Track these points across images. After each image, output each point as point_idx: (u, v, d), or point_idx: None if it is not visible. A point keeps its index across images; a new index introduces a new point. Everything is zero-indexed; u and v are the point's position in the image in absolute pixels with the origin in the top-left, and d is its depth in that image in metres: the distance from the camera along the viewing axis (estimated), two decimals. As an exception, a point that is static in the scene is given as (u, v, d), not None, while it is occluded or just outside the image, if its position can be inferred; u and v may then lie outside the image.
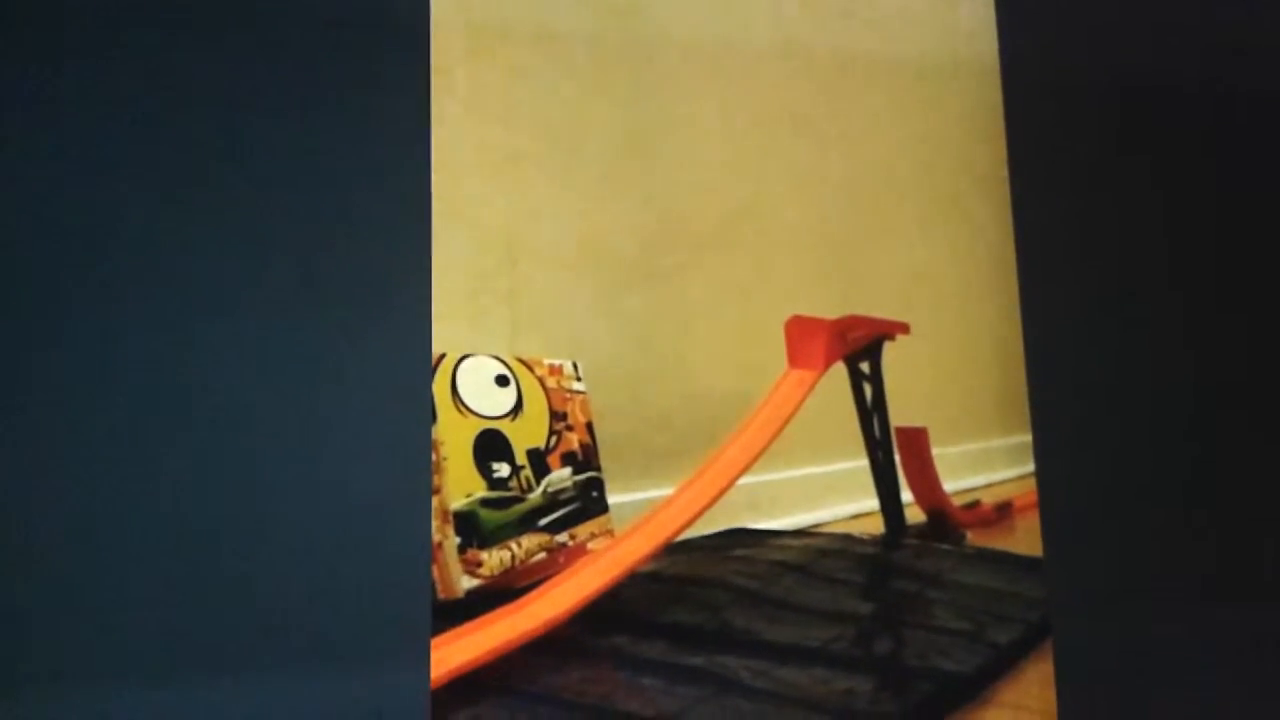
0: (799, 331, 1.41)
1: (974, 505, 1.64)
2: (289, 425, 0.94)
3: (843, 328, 1.43)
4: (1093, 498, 1.06)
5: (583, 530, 1.26)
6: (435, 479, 1.13)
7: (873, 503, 1.50)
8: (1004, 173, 1.11)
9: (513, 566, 1.16)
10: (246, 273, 0.94)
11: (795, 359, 1.40)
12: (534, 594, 1.04)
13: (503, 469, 1.21)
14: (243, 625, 0.90)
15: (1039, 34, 1.12)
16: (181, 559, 0.90)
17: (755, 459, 1.25)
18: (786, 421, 1.31)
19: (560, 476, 1.27)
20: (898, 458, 1.50)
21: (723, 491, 1.20)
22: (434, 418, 1.15)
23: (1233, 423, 1.08)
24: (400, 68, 1.00)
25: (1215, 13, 1.13)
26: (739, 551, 1.37)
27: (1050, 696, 0.98)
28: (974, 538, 1.54)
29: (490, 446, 1.21)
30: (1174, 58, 1.12)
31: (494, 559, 1.15)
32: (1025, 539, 1.42)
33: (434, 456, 1.13)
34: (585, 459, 1.31)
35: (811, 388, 1.37)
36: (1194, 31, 1.13)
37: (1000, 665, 1.05)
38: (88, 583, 0.88)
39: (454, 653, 0.95)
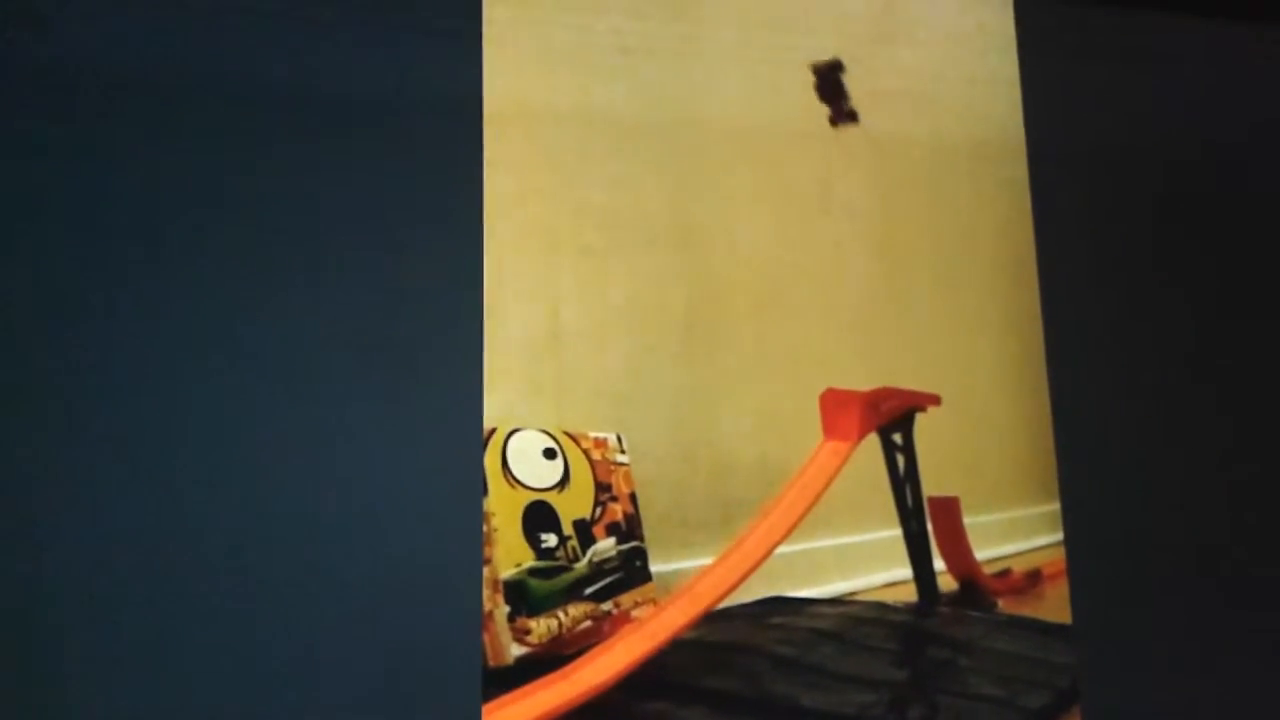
0: (834, 404, 1.44)
1: (1005, 573, 1.62)
2: (346, 497, 0.98)
3: (876, 399, 1.47)
4: (1120, 565, 1.08)
5: (627, 599, 1.28)
6: (486, 549, 1.15)
7: (906, 571, 1.50)
8: (1032, 248, 1.14)
9: (560, 634, 1.19)
10: (306, 356, 0.98)
11: (830, 430, 1.43)
12: (579, 662, 1.08)
13: (550, 539, 1.24)
14: (304, 689, 0.94)
15: (1063, 114, 1.15)
16: (235, 625, 0.93)
17: (792, 529, 1.28)
18: (822, 492, 1.34)
19: (605, 546, 1.29)
20: (930, 527, 1.51)
21: (761, 561, 1.24)
22: (485, 490, 1.18)
23: (1261, 492, 1.10)
24: (455, 150, 1.04)
25: (1237, 92, 1.17)
26: (776, 619, 1.38)
27: None
28: (1005, 605, 1.53)
29: (538, 517, 1.24)
30: (1197, 135, 1.15)
31: (542, 627, 1.17)
32: (1055, 606, 1.43)
33: (485, 527, 1.16)
34: (629, 529, 1.33)
35: (846, 458, 1.40)
36: (1216, 110, 1.16)
37: None
38: (143, 642, 0.92)
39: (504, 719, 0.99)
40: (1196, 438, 1.12)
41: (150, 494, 0.95)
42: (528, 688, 1.03)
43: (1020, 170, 1.17)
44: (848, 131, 1.70)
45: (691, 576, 1.21)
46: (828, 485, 1.35)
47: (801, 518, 1.31)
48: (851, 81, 1.71)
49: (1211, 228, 1.14)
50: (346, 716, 0.95)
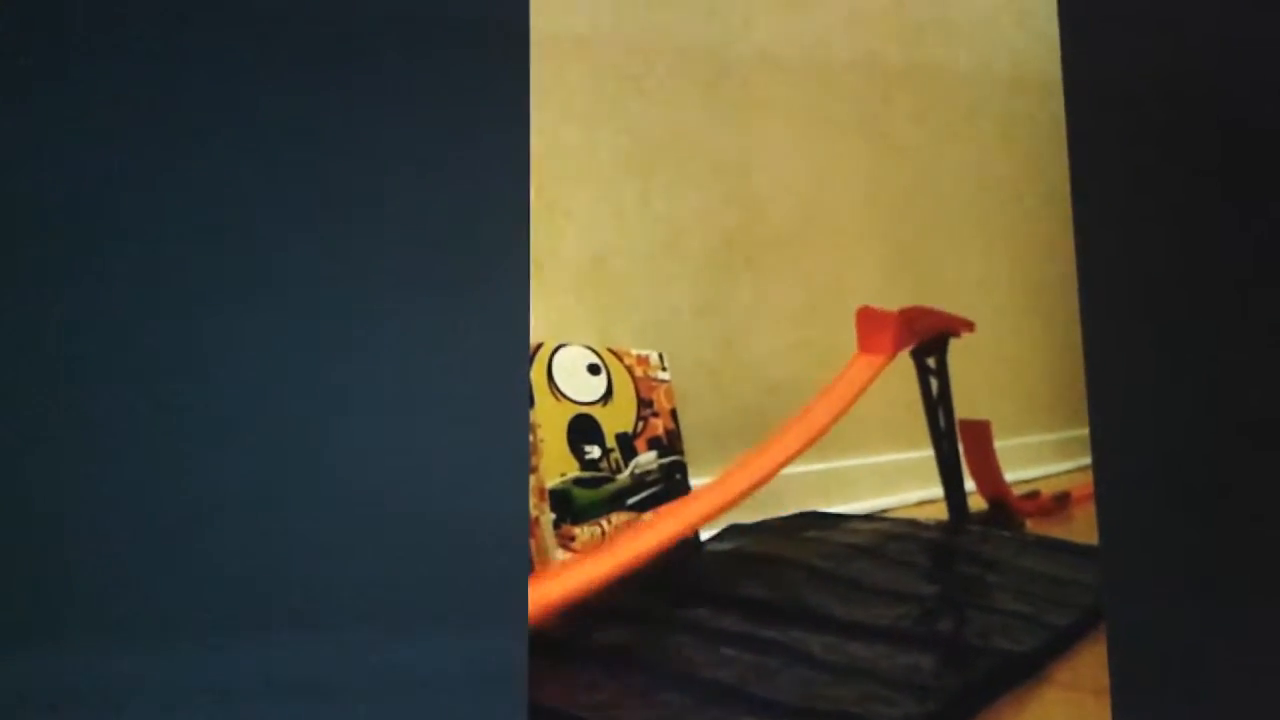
0: (869, 320, 1.45)
1: (1033, 495, 1.67)
2: (402, 409, 1.00)
3: (910, 318, 1.47)
4: (1146, 489, 1.09)
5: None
6: (533, 459, 1.16)
7: (937, 491, 1.54)
8: (1066, 180, 1.15)
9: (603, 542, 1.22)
10: (357, 273, 1.00)
11: (865, 345, 1.44)
12: (616, 538, 1.12)
13: (594, 451, 1.27)
14: (355, 593, 0.97)
15: (1101, 49, 1.15)
16: (291, 528, 0.96)
17: (825, 430, 1.30)
18: (855, 399, 1.36)
19: (646, 459, 1.32)
20: (961, 449, 1.54)
21: (792, 457, 1.25)
22: (532, 402, 1.21)
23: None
24: (502, 76, 1.05)
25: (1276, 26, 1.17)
26: (811, 533, 1.41)
27: (1103, 676, 1.00)
28: (1033, 526, 1.57)
29: (582, 430, 1.27)
30: (1234, 70, 1.16)
31: (586, 534, 1.20)
32: (1082, 528, 1.44)
33: (531, 438, 1.16)
34: (669, 443, 1.35)
35: (879, 371, 1.41)
36: (1257, 44, 1.16)
37: (1057, 646, 1.09)
38: (209, 546, 0.95)
39: (549, 589, 1.01)
40: (1228, 364, 1.13)
41: (199, 400, 0.97)
42: (567, 561, 1.07)
43: (1058, 104, 1.18)
44: (889, 64, 1.71)
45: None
46: (860, 394, 1.37)
47: (834, 421, 1.31)
48: (897, 11, 1.71)
49: (1251, 154, 1.15)
50: (401, 613, 0.97)
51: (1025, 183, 1.79)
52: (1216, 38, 1.16)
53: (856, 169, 1.71)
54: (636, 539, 1.10)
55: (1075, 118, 1.15)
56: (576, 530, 1.20)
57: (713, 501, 1.18)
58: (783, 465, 1.23)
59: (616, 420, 1.31)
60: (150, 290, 0.96)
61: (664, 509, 1.17)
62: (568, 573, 1.03)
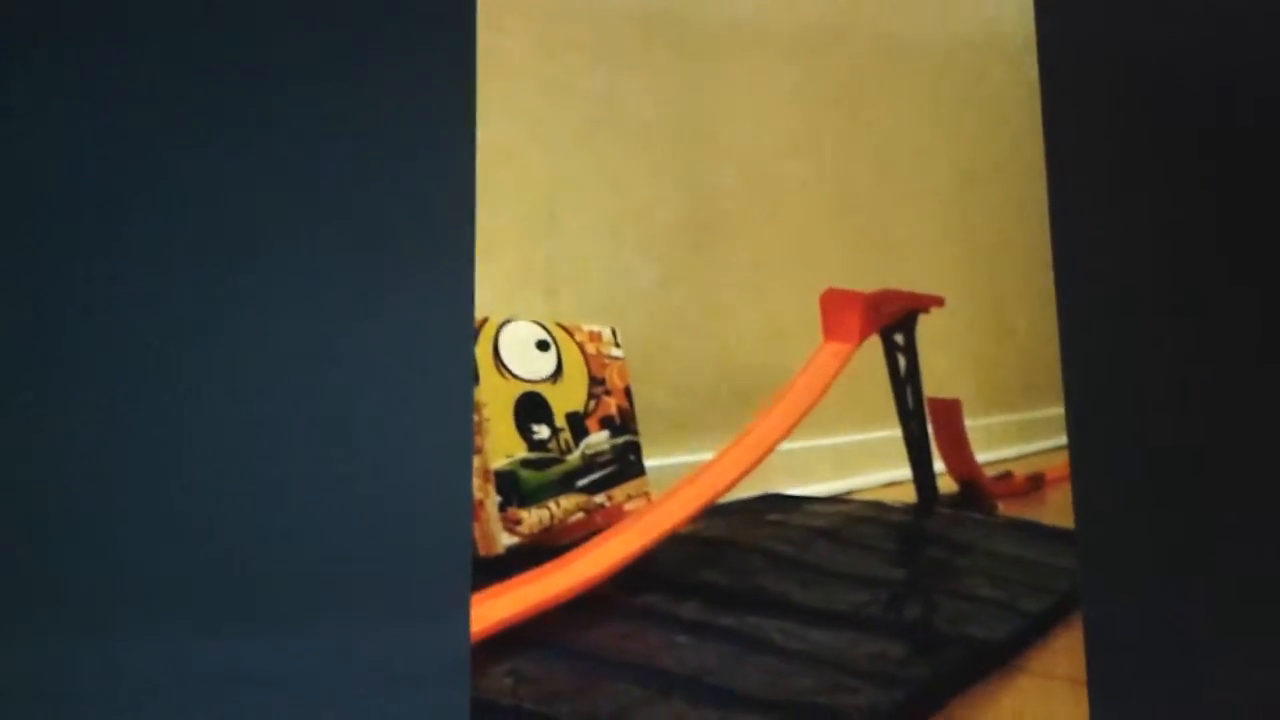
0: (835, 304, 1.42)
1: (1006, 476, 1.66)
2: (336, 386, 0.96)
3: (877, 301, 1.45)
4: (1123, 470, 1.07)
5: (620, 492, 1.29)
6: (477, 439, 1.15)
7: (905, 472, 1.52)
8: (1039, 150, 1.12)
9: (551, 525, 1.19)
10: (297, 242, 0.96)
11: (831, 332, 1.41)
12: (575, 553, 1.06)
13: (542, 431, 1.23)
14: (290, 580, 0.93)
15: (1076, 12, 1.13)
16: (225, 515, 0.92)
17: (791, 429, 1.27)
18: (822, 393, 1.33)
19: (598, 439, 1.29)
20: (931, 428, 1.52)
21: (759, 459, 1.22)
22: (476, 380, 1.18)
23: (1262, 395, 1.09)
24: (447, 40, 1.02)
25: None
26: (772, 516, 1.39)
27: (1079, 664, 0.99)
28: (1005, 508, 1.55)
29: (530, 409, 1.23)
30: (1217, 43, 1.13)
31: (533, 518, 1.17)
32: (1056, 510, 1.43)
33: (475, 417, 1.15)
34: (623, 423, 1.33)
35: (846, 360, 1.39)
36: (1238, 18, 1.13)
37: (1030, 633, 1.07)
38: (149, 540, 0.91)
39: (495, 608, 0.97)
40: (1207, 342, 1.10)
41: (144, 389, 0.93)
42: (522, 577, 1.01)
43: (1028, 72, 1.14)
44: (850, 32, 1.69)
45: (687, 472, 1.20)
46: (827, 388, 1.34)
47: (801, 418, 1.29)
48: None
49: (1228, 122, 1.11)
50: (336, 601, 0.94)
51: (997, 157, 1.78)
52: (1197, 10, 1.13)
53: (822, 143, 1.70)
54: (592, 558, 1.06)
55: (1050, 91, 1.12)
56: (523, 514, 1.17)
57: (672, 516, 1.14)
58: (745, 474, 1.21)
59: (567, 399, 1.28)
60: (114, 281, 0.92)
61: (624, 523, 1.13)
62: (516, 592, 1.00)
